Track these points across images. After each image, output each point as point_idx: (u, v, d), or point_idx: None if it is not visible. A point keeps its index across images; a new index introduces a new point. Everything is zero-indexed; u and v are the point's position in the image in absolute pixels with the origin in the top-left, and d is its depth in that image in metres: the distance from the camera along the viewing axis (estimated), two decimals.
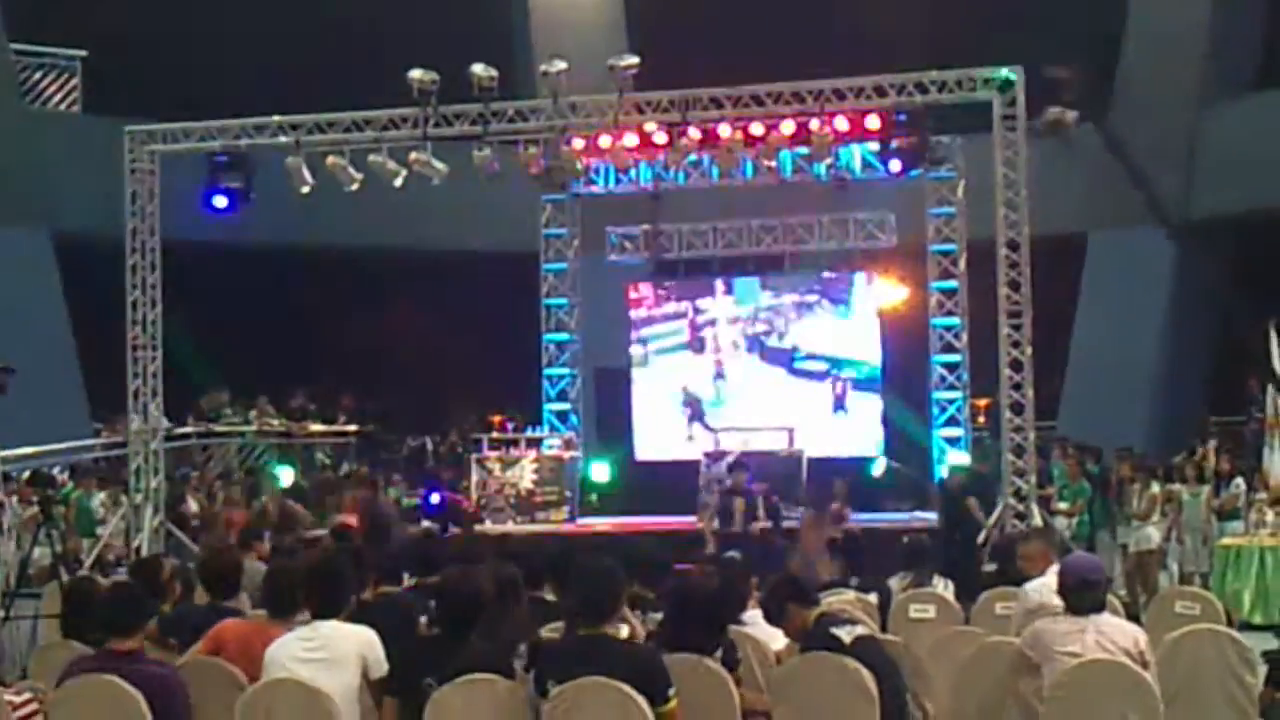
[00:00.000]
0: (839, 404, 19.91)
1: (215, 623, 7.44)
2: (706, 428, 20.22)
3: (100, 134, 19.40)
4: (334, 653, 6.59)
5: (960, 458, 17.97)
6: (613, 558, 7.07)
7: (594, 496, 19.51)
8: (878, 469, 18.67)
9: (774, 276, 20.39)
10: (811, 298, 20.17)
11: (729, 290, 20.53)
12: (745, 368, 20.41)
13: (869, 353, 19.80)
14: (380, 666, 6.65)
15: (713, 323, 20.53)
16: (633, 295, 20.71)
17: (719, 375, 20.53)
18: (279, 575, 7.49)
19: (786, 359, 20.14)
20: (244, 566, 8.75)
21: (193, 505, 18.10)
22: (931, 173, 18.22)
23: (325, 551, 9.43)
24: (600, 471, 19.18)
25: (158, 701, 6.55)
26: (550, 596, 8.25)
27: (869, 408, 19.81)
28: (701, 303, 20.61)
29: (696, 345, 20.60)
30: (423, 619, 7.72)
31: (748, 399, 20.21)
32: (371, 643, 6.67)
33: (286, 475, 18.81)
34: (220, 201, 16.73)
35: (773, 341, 20.28)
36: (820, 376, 19.96)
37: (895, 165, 16.07)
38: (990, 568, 12.77)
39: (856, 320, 19.91)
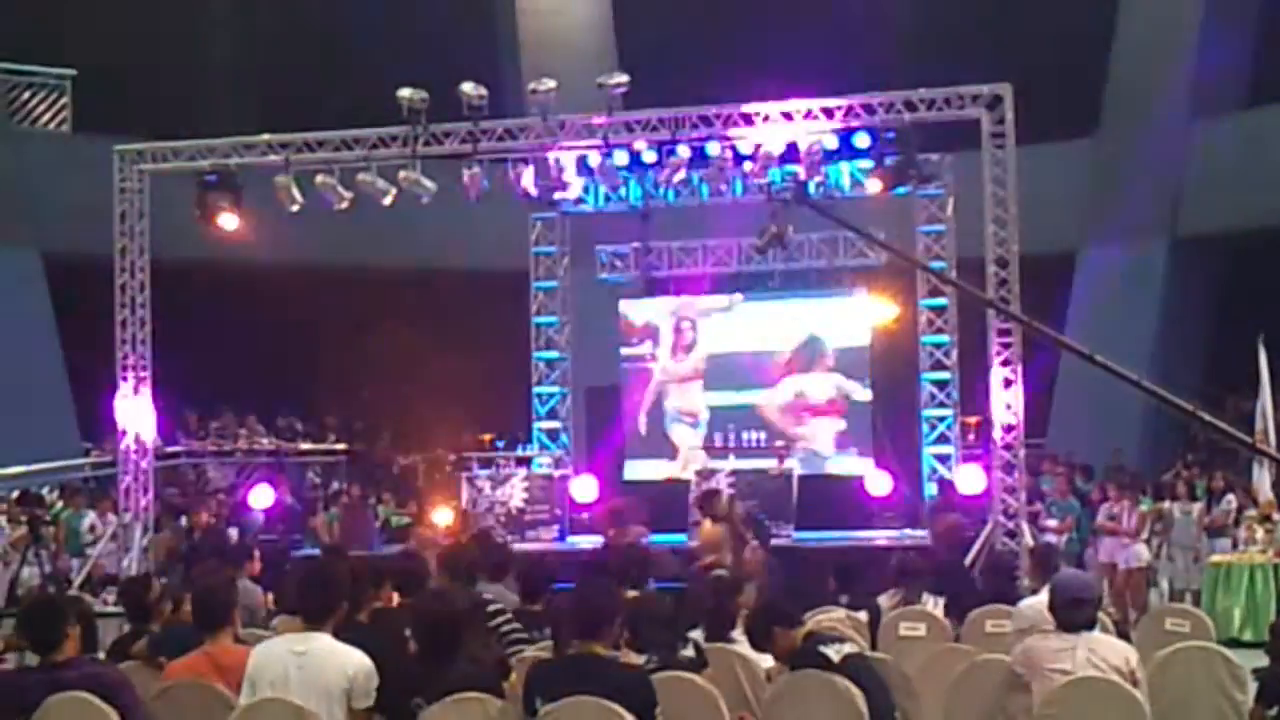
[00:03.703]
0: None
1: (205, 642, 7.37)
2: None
3: (89, 153, 19.32)
4: (321, 670, 6.47)
5: (968, 475, 17.58)
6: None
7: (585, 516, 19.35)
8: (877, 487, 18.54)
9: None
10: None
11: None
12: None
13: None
14: (367, 695, 6.47)
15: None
16: (624, 314, 20.59)
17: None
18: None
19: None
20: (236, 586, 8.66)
21: (183, 524, 18.06)
22: (920, 190, 18.20)
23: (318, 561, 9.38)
24: (583, 490, 19.00)
25: (117, 700, 6.61)
26: None
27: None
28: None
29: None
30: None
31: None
32: (366, 670, 6.50)
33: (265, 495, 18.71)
34: (229, 223, 16.69)
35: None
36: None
37: (875, 185, 16.24)
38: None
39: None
